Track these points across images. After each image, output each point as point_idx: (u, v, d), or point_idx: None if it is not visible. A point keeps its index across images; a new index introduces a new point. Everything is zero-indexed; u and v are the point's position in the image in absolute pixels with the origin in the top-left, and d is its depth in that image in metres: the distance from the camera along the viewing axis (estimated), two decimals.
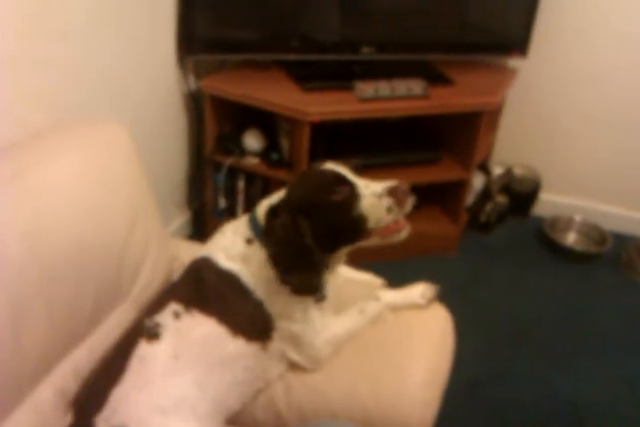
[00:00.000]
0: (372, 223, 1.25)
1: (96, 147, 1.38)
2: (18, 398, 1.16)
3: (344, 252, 1.34)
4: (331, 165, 1.29)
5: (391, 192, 1.23)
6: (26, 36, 1.48)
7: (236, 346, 1.28)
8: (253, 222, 1.33)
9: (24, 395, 1.17)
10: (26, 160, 1.25)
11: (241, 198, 2.51)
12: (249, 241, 1.32)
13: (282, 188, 1.33)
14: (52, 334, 1.19)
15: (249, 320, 1.30)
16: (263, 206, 1.34)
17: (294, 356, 1.37)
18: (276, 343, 1.34)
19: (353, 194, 1.24)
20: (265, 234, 1.28)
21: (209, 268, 1.33)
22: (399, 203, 1.23)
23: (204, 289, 1.31)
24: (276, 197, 1.33)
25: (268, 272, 1.27)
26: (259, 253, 1.30)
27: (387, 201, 1.23)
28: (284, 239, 1.23)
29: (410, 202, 1.25)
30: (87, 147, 1.36)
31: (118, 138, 1.44)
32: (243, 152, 2.38)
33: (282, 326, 1.33)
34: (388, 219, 1.25)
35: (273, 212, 1.27)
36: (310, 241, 1.22)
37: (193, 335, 1.26)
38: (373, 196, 1.24)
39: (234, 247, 1.33)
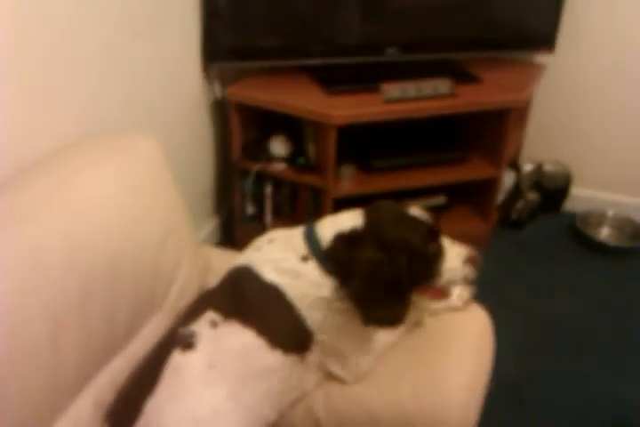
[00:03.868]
0: (442, 280, 1.30)
1: (128, 160, 1.39)
2: (57, 411, 1.16)
3: None
4: (417, 211, 1.29)
5: (469, 260, 1.31)
6: (56, 49, 1.49)
7: (273, 359, 1.25)
8: (311, 240, 1.30)
9: (63, 407, 1.18)
10: (61, 173, 1.27)
11: (269, 204, 2.51)
12: (304, 258, 1.28)
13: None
14: (89, 345, 1.20)
15: (289, 334, 1.27)
16: (327, 228, 1.30)
17: (337, 370, 1.35)
18: (315, 355, 1.32)
19: (442, 251, 1.29)
20: (342, 265, 1.25)
21: (251, 279, 1.30)
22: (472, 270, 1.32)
23: (245, 300, 1.28)
24: (345, 222, 1.29)
25: (319, 292, 1.26)
26: (313, 271, 1.27)
27: (466, 269, 1.31)
28: (378, 275, 1.21)
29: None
30: (120, 160, 1.38)
31: (149, 150, 1.45)
32: (269, 158, 2.37)
33: (325, 341, 1.30)
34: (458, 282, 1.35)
35: (352, 242, 1.25)
36: (407, 276, 1.23)
37: (230, 346, 1.24)
38: (457, 260, 1.30)
39: (285, 262, 1.29)
